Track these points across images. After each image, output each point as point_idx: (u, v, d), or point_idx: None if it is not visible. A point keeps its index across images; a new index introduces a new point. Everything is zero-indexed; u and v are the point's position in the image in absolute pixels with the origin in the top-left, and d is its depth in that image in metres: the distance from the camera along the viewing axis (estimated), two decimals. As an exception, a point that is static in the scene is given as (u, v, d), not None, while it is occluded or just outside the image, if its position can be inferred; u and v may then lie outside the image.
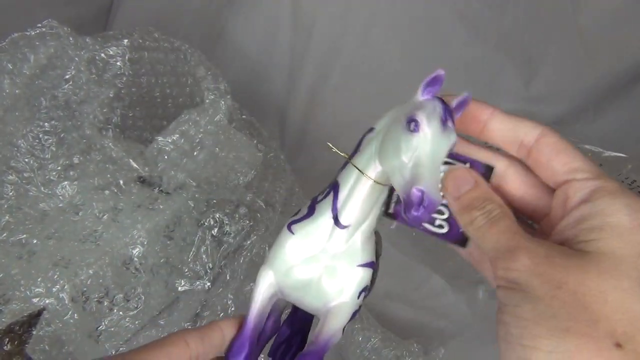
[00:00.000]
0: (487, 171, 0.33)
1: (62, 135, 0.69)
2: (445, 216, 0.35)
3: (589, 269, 0.25)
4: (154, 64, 0.78)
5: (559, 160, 0.30)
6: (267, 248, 0.70)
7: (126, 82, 0.73)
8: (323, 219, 0.35)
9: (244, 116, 0.80)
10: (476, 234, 0.30)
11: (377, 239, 0.39)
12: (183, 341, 0.35)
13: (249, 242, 0.70)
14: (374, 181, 0.34)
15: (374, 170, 0.33)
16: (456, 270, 0.78)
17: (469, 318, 0.78)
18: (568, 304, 0.25)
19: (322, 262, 0.35)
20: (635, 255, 0.25)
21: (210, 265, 0.69)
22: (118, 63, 0.72)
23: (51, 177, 0.67)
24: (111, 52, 0.71)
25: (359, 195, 0.34)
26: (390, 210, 0.37)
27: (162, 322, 0.66)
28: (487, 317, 0.76)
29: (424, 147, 0.29)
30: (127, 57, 0.72)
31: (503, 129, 0.32)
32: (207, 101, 0.68)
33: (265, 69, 1.09)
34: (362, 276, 0.36)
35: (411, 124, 0.29)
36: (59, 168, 0.67)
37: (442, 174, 0.33)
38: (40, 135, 0.68)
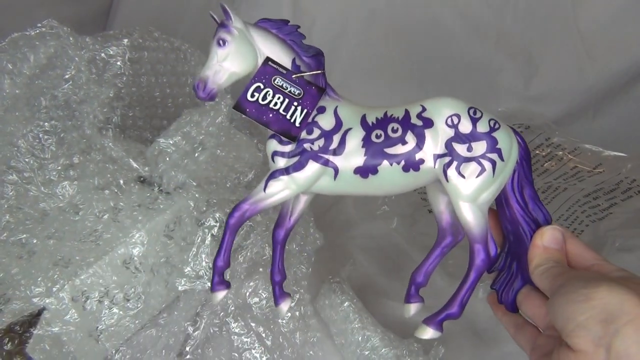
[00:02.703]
0: (319, 93, 0.49)
1: (62, 135, 0.69)
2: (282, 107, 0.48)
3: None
4: (154, 63, 0.78)
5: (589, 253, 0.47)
6: (266, 247, 0.70)
7: (126, 81, 0.73)
8: None
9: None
10: (539, 276, 0.46)
11: None
12: None
13: (248, 241, 0.70)
14: None
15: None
16: (456, 269, 0.78)
17: (468, 318, 0.78)
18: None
19: None
20: None
21: (210, 265, 0.69)
22: (118, 63, 0.72)
23: (51, 177, 0.67)
24: (111, 52, 0.71)
25: None
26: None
27: (162, 322, 0.66)
28: (487, 317, 0.76)
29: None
30: (127, 57, 0.72)
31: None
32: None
33: (265, 68, 1.09)
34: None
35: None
36: (59, 168, 0.67)
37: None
38: (40, 135, 0.68)
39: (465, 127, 0.47)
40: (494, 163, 0.47)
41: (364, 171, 0.47)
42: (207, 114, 0.68)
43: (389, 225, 0.96)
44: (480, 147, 0.47)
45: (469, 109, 0.48)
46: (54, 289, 0.60)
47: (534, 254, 0.47)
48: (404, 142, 0.47)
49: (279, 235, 0.53)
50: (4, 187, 0.66)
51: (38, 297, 0.60)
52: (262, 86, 0.48)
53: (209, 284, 0.69)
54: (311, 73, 0.50)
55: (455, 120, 0.47)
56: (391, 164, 0.47)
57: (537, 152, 1.03)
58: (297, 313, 0.69)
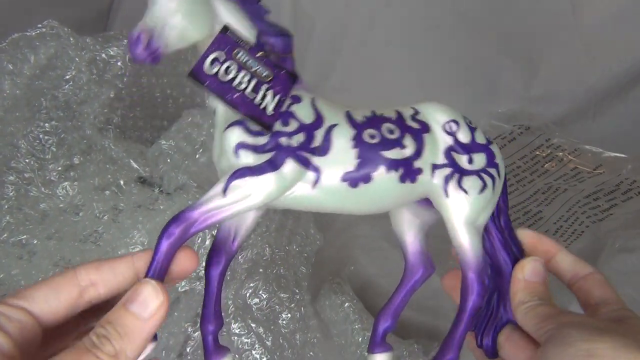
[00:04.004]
0: (291, 78, 0.38)
1: (62, 135, 0.69)
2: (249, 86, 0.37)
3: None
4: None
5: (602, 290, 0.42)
6: (267, 248, 0.70)
7: (127, 82, 0.73)
8: None
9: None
10: (523, 314, 0.41)
11: None
12: (72, 272, 0.36)
13: (249, 242, 0.70)
14: None
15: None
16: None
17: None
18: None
19: None
20: None
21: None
22: (119, 63, 0.72)
23: (51, 178, 0.67)
24: (112, 53, 0.71)
25: None
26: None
27: (162, 323, 0.66)
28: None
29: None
30: (127, 58, 0.72)
31: (566, 260, 0.45)
32: (209, 102, 0.69)
33: (266, 69, 1.09)
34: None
35: None
36: (60, 168, 0.67)
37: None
38: (41, 136, 0.68)
39: (465, 135, 0.41)
40: (494, 179, 0.41)
41: (354, 179, 0.38)
42: (208, 115, 0.68)
43: (390, 225, 0.96)
44: (480, 159, 0.41)
45: (464, 117, 0.42)
46: (55, 290, 0.60)
47: (516, 289, 0.42)
48: (403, 146, 0.39)
49: (217, 266, 0.40)
50: (4, 188, 0.66)
51: (38, 298, 0.60)
52: (222, 57, 0.37)
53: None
54: (280, 55, 0.39)
55: (454, 127, 0.41)
56: (388, 171, 0.38)
57: (537, 153, 1.03)
58: (298, 314, 0.69)
